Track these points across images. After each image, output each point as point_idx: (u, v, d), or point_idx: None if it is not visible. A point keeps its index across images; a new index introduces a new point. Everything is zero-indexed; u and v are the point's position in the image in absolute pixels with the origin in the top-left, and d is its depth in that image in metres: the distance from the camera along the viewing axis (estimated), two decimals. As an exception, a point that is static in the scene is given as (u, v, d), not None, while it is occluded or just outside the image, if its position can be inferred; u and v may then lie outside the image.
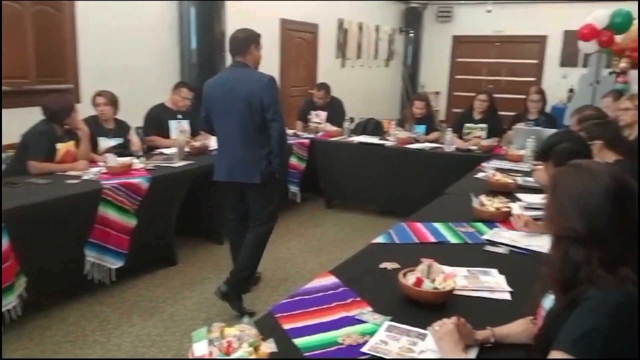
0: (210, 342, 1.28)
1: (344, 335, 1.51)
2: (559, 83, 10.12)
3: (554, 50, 10.62)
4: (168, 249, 3.79)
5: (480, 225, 2.56)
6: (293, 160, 5.01)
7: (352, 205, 5.32)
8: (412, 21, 11.11)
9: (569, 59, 10.46)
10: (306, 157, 5.13)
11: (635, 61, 7.36)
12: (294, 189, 5.06)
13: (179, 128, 4.61)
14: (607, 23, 6.34)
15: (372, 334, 1.52)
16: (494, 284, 1.89)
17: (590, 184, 1.20)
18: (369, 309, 1.67)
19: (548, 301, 1.34)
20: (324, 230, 4.67)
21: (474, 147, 4.74)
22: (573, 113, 3.35)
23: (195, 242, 4.20)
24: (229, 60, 6.14)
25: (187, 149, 4.15)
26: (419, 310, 1.67)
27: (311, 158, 5.17)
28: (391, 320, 1.59)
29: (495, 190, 3.17)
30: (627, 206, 1.18)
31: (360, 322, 1.59)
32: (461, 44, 11.33)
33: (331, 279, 1.89)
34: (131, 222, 3.30)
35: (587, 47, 6.66)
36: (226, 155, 3.15)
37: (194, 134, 4.68)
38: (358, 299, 1.74)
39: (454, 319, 1.43)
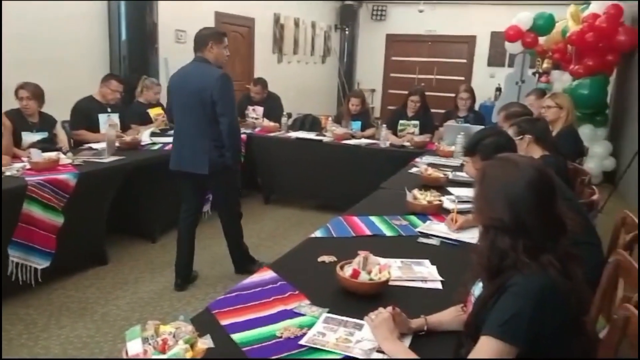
0: (145, 340, 1.24)
1: (282, 328, 1.51)
2: (487, 82, 10.55)
3: (482, 50, 11.07)
4: (98, 247, 3.65)
5: (413, 218, 2.64)
6: (229, 156, 4.95)
7: (290, 201, 5.33)
8: (347, 19, 11.24)
9: (496, 59, 10.93)
10: (243, 152, 5.08)
11: (557, 62, 7.80)
12: (230, 184, 5.00)
13: (108, 122, 4.43)
14: (530, 25, 6.67)
15: (310, 326, 1.53)
16: (426, 274, 1.95)
17: (515, 176, 1.27)
18: (307, 302, 1.69)
19: (477, 289, 1.41)
20: (262, 226, 4.65)
21: (408, 144, 4.87)
22: (500, 110, 3.51)
23: (128, 241, 4.06)
24: (161, 52, 6.10)
25: (117, 144, 4.00)
26: (356, 301, 1.70)
27: (248, 154, 5.13)
28: (328, 312, 1.62)
29: (428, 184, 3.27)
30: (548, 197, 1.25)
31: (299, 315, 1.61)
32: (395, 42, 11.58)
33: (269, 274, 1.89)
34: (58, 220, 3.15)
35: (512, 47, 6.99)
36: (179, 145, 3.30)
37: (124, 128, 4.53)
38: (296, 292, 1.75)
39: (389, 308, 1.48)
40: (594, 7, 6.40)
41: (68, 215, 3.20)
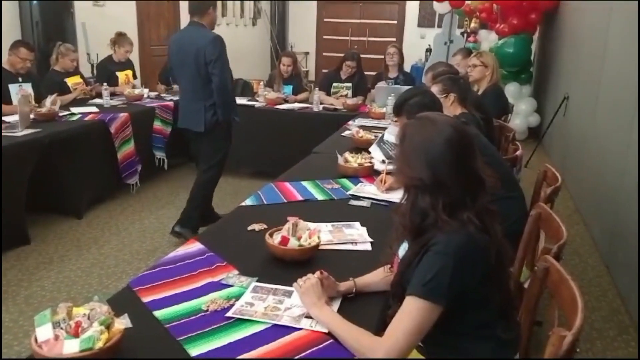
0: (57, 324, 1.16)
1: (208, 301, 1.46)
2: (418, 43, 10.63)
3: (412, 12, 11.12)
4: (19, 227, 3.42)
5: (344, 181, 2.63)
6: (157, 125, 4.76)
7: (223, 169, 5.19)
8: (276, -22, 10.94)
9: (425, 19, 11.02)
10: (171, 120, 4.89)
11: (484, 21, 7.93)
12: (160, 154, 4.82)
13: (20, 92, 4.13)
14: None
15: (238, 297, 1.49)
16: (356, 236, 1.95)
17: (433, 135, 1.26)
18: (235, 272, 1.64)
19: (402, 250, 1.41)
20: (194, 196, 4.51)
21: (340, 107, 4.84)
22: (427, 70, 3.54)
23: (51, 218, 3.84)
24: (78, 16, 5.71)
25: (32, 116, 3.74)
26: (286, 268, 1.67)
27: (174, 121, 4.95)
28: (258, 281, 1.58)
29: (359, 146, 3.27)
30: (466, 154, 1.25)
31: (226, 286, 1.56)
32: (327, 4, 11.41)
33: (196, 246, 1.83)
34: (-31, 200, 2.93)
35: (440, 7, 7.03)
36: (182, 104, 3.58)
37: (40, 99, 4.23)
38: (224, 263, 1.70)
39: (317, 273, 1.46)
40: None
41: (-20, 194, 2.98)
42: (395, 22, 11.31)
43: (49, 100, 3.93)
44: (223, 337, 1.30)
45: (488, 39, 8.12)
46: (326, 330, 1.32)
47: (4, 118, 3.77)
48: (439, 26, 10.81)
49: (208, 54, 3.26)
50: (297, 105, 4.92)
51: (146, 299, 1.47)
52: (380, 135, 3.16)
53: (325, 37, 11.57)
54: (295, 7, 11.37)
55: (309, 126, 4.72)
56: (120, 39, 5.05)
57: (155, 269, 1.65)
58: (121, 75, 5.12)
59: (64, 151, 3.72)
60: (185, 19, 8.00)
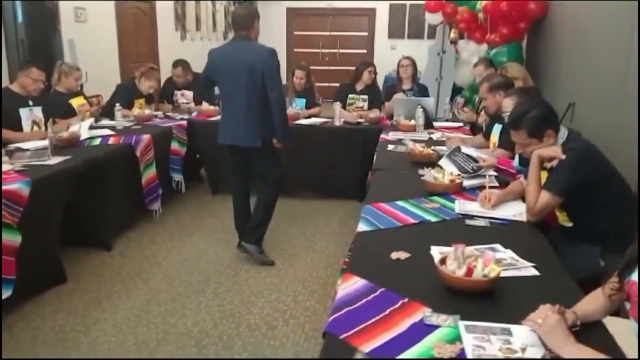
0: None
1: (434, 347, 1.32)
2: (389, 54, 10.72)
3: (382, 23, 11.22)
4: (54, 264, 3.10)
5: (439, 199, 2.53)
6: (175, 145, 4.49)
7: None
8: (246, -8, 10.78)
9: (396, 30, 11.15)
10: (186, 140, 4.64)
11: (462, 31, 8.05)
12: (177, 177, 4.56)
13: (31, 117, 3.80)
14: (450, -5, 6.81)
15: (456, 339, 1.36)
16: (511, 260, 1.85)
17: None
18: (428, 309, 1.50)
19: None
20: (221, 220, 4.25)
21: (362, 120, 4.75)
22: (482, 82, 3.51)
23: (79, 252, 3.51)
24: (64, 33, 5.36)
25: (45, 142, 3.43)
26: (467, 299, 1.55)
27: (191, 141, 4.70)
28: (460, 319, 1.45)
29: (418, 161, 3.19)
30: None
31: (433, 327, 1.42)
32: (296, 17, 11.34)
33: (359, 281, 1.67)
34: (15, 239, 2.60)
35: (433, 18, 7.09)
36: (232, 120, 3.37)
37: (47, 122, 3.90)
38: (406, 300, 1.55)
39: (550, 307, 1.35)
40: (503, -23, 6.66)
41: (23, 231, 2.66)
42: (366, 33, 11.39)
43: (84, 126, 3.63)
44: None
45: (467, 49, 8.27)
46: (587, 370, 1.21)
47: (20, 145, 3.44)
48: (409, 37, 11.06)
49: (267, 67, 3.21)
50: (318, 120, 4.78)
51: (364, 347, 1.31)
52: (452, 149, 3.09)
53: (296, 50, 11.47)
54: (264, 20, 11.16)
55: (332, 141, 4.61)
56: (150, 73, 4.77)
57: (342, 311, 1.49)
58: (137, 103, 4.81)
59: (92, 178, 3.42)
60: (164, 34, 7.85)
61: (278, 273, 3.36)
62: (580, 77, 4.95)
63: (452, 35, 8.74)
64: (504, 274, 1.74)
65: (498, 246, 1.96)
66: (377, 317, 1.46)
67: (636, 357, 1.30)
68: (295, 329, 2.73)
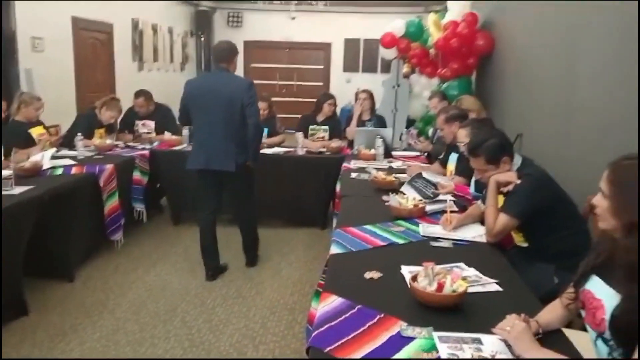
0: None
1: (413, 355, 1.42)
2: (345, 87, 11.03)
3: (337, 57, 11.56)
4: (17, 295, 3.03)
5: (404, 222, 2.66)
6: (137, 175, 4.48)
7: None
8: (202, 25, 10.93)
9: (351, 64, 11.50)
10: (148, 170, 4.64)
11: (415, 66, 8.40)
12: (139, 207, 4.53)
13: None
14: (403, 32, 7.14)
15: (432, 348, 1.46)
16: (475, 277, 1.98)
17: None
18: (404, 323, 1.60)
19: (592, 285, 1.46)
20: (184, 249, 4.25)
21: (324, 149, 4.89)
22: (439, 113, 3.72)
23: (40, 283, 3.43)
24: (22, 62, 5.32)
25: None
26: (439, 314, 1.66)
27: (153, 171, 4.70)
28: (434, 330, 1.55)
29: (381, 188, 3.33)
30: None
31: (410, 339, 1.52)
32: (253, 49, 11.53)
33: (338, 300, 1.75)
34: (-21, 270, 2.56)
35: (387, 53, 7.40)
36: (205, 146, 3.56)
37: (6, 152, 3.84)
38: (382, 315, 1.65)
39: (516, 316, 1.47)
40: (452, 15, 7.06)
41: (-14, 262, 2.61)
42: (322, 66, 11.69)
43: (47, 155, 3.60)
44: (470, 391, 1.26)
45: (419, 83, 8.63)
46: (551, 372, 1.33)
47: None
48: (364, 71, 11.43)
49: (246, 97, 3.44)
50: (281, 149, 4.89)
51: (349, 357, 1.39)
52: (412, 176, 3.24)
53: (254, 81, 11.60)
54: (221, 52, 11.36)
55: (296, 170, 4.71)
56: (111, 103, 4.77)
57: (324, 327, 1.56)
58: (97, 133, 4.77)
59: (55, 208, 3.38)
60: (121, 64, 7.85)
61: (245, 301, 3.39)
62: (526, 109, 5.28)
63: (406, 69, 9.11)
64: (470, 289, 1.86)
65: (462, 265, 2.09)
66: (358, 332, 1.54)
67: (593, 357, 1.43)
68: (266, 354, 2.77)
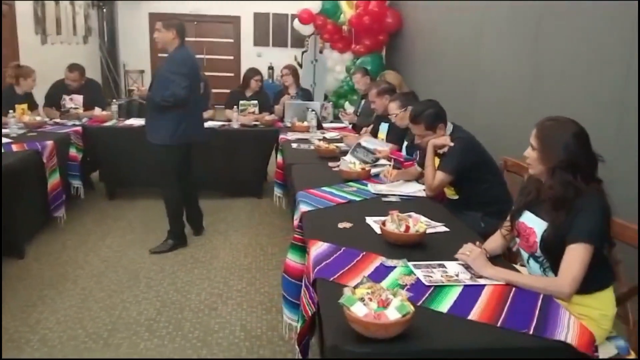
0: (362, 301, 1.42)
1: (398, 278, 1.80)
2: (256, 61, 11.15)
3: (247, 31, 11.63)
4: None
5: (355, 184, 3.05)
6: (72, 151, 4.47)
7: (136, 193, 5.05)
8: (104, -4, 10.49)
9: (261, 38, 11.64)
10: (82, 146, 4.63)
11: (326, 41, 8.75)
12: (76, 183, 4.53)
13: None
14: (320, 9, 7.46)
15: (411, 273, 1.85)
16: (426, 222, 2.41)
17: (566, 130, 1.80)
18: (382, 257, 1.98)
19: (526, 218, 1.93)
20: (128, 223, 4.36)
21: (257, 122, 5.14)
22: (370, 88, 4.12)
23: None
24: None
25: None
26: (408, 250, 2.06)
27: (87, 147, 4.70)
28: (408, 261, 1.95)
29: (324, 156, 3.71)
30: (587, 141, 1.83)
31: (391, 267, 1.90)
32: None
33: (324, 245, 2.09)
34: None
35: (304, 29, 7.68)
36: (195, 118, 3.91)
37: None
38: (364, 253, 2.02)
39: (472, 244, 1.91)
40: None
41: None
42: (232, 40, 11.71)
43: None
44: (449, 296, 1.67)
45: (331, 58, 9.04)
46: (503, 283, 1.78)
47: None
48: (274, 45, 11.61)
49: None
50: (216, 123, 5.07)
51: (351, 283, 1.74)
52: (352, 147, 3.62)
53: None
54: (125, 25, 11.03)
55: (231, 143, 4.93)
56: (24, 70, 4.64)
57: (322, 264, 1.90)
58: (19, 109, 4.62)
59: (3, 185, 3.38)
60: (24, 38, 7.45)
61: (203, 265, 3.63)
62: (434, 81, 5.88)
63: (320, 45, 9.46)
64: (428, 230, 2.30)
65: (413, 214, 2.50)
66: (349, 266, 1.91)
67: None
68: (235, 307, 3.06)
